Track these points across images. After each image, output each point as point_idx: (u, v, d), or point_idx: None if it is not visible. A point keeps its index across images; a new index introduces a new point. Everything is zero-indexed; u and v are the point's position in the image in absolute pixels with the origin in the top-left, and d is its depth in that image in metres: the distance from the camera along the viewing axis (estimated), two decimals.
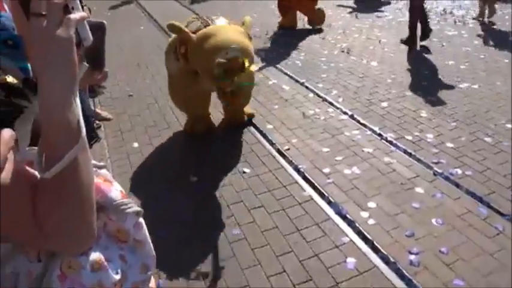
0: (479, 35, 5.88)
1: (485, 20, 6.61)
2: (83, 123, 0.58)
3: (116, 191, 0.71)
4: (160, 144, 3.37)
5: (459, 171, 2.87)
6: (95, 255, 0.64)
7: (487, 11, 6.60)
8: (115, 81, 4.56)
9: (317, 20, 6.45)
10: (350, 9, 7.67)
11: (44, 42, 0.53)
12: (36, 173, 0.57)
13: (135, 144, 3.37)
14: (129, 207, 0.71)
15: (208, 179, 2.88)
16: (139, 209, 0.73)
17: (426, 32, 5.46)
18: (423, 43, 5.50)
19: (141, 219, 0.75)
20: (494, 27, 6.33)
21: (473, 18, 6.78)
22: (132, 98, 4.21)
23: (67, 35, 0.55)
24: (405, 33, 5.94)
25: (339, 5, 8.16)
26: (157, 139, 3.44)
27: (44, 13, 0.53)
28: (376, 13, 7.36)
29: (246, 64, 2.67)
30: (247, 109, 3.64)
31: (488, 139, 3.23)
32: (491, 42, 5.54)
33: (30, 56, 0.57)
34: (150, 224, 0.79)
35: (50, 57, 0.53)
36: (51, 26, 0.53)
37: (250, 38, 3.02)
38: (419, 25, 5.38)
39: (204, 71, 2.83)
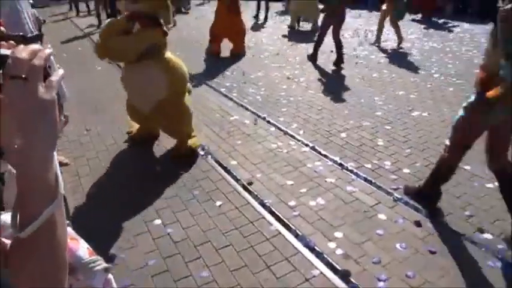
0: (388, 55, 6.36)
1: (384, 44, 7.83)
2: (61, 179, 0.57)
3: (83, 249, 0.69)
4: (120, 187, 3.27)
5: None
6: None
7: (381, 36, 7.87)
8: (72, 124, 4.43)
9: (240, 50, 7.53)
10: (303, 45, 8.09)
11: (27, 105, 0.52)
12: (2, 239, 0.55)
13: (93, 189, 3.24)
14: (98, 265, 0.69)
15: (173, 220, 2.81)
16: (108, 265, 0.71)
17: (340, 59, 6.52)
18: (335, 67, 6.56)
19: (110, 275, 0.73)
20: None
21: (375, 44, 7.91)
22: (91, 140, 4.09)
23: (50, 97, 0.55)
24: (358, 66, 6.32)
25: (284, 35, 8.74)
26: (116, 182, 3.34)
27: (24, 76, 0.52)
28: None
29: None
30: (194, 141, 3.67)
31: (467, 167, 3.40)
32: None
33: None
34: (113, 274, 0.76)
35: (34, 120, 0.53)
36: (35, 90, 0.53)
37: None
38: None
39: None
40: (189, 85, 3.83)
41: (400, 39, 7.68)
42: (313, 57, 6.86)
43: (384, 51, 7.58)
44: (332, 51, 6.88)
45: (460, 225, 2.67)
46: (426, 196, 2.90)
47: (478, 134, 2.54)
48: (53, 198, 0.56)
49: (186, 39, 9.03)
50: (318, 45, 6.77)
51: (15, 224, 0.55)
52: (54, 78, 0.57)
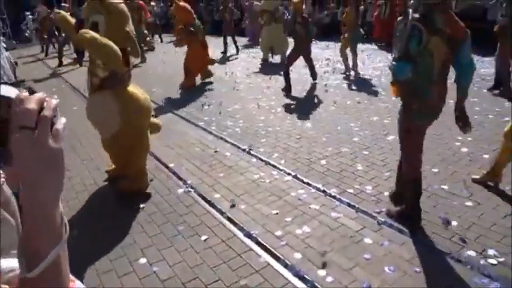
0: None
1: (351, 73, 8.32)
2: (66, 220, 0.60)
3: None
4: (101, 227, 3.17)
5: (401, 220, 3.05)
6: None
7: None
8: None
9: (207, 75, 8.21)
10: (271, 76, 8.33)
11: (37, 155, 0.54)
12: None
13: (75, 231, 3.13)
14: None
15: (159, 258, 2.74)
16: None
17: (313, 74, 7.51)
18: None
19: None
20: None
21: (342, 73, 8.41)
22: (70, 181, 3.98)
23: (59, 145, 0.57)
24: (332, 95, 6.52)
25: (256, 68, 9.07)
26: (97, 222, 3.24)
27: (31, 126, 0.54)
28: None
29: None
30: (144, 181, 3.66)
31: None
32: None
33: None
34: None
35: (44, 168, 0.55)
36: (45, 140, 0.55)
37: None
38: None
39: None
40: (157, 122, 3.88)
41: (356, 66, 8.27)
42: (287, 89, 7.08)
43: (354, 79, 7.89)
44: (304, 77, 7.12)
45: (444, 244, 2.73)
46: (408, 217, 2.97)
47: (421, 141, 2.85)
48: (59, 239, 0.58)
49: (162, 75, 9.12)
50: (287, 76, 7.09)
51: (23, 264, 0.56)
52: (59, 126, 0.59)
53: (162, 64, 10.60)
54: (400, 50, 2.56)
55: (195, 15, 7.86)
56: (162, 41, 15.31)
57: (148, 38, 13.15)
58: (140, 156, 3.62)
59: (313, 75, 7.56)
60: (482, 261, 2.54)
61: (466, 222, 2.95)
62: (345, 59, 8.27)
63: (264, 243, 2.82)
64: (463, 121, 2.74)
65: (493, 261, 2.54)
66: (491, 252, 2.61)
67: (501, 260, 2.54)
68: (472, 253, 2.62)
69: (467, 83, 2.67)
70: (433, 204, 3.20)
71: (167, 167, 4.15)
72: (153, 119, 3.85)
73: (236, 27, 12.96)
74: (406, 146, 2.90)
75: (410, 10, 2.55)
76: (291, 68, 7.16)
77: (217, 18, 13.34)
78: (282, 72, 7.33)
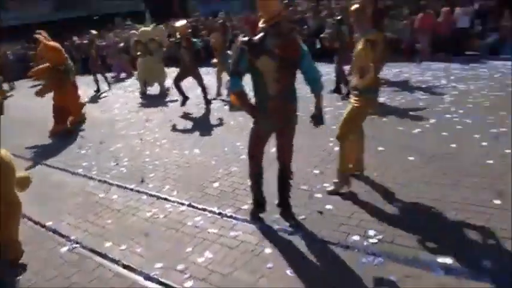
0: None
1: None
2: None
3: None
4: None
5: (292, 222, 3.23)
6: None
7: None
8: None
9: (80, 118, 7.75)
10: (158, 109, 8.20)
11: None
12: None
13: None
14: None
15: None
16: None
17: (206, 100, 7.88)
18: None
19: None
20: None
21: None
22: None
23: None
24: (216, 118, 6.66)
25: (136, 103, 9.02)
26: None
27: None
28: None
29: None
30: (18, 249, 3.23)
31: (304, 187, 3.80)
32: None
33: None
34: None
35: None
36: None
37: None
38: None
39: None
40: (24, 175, 3.42)
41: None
42: (184, 100, 7.80)
43: None
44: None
45: (333, 235, 2.97)
46: (254, 214, 3.34)
47: (259, 144, 3.12)
48: None
49: (27, 124, 8.15)
50: (180, 90, 7.73)
51: None
52: None
53: (25, 111, 9.51)
54: (232, 67, 2.95)
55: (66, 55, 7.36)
56: (14, 88, 14.31)
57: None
58: (12, 222, 3.14)
59: (206, 100, 7.85)
60: (365, 243, 2.84)
61: (347, 212, 3.28)
62: (219, 84, 8.55)
63: (167, 282, 2.69)
64: (317, 119, 3.10)
65: (374, 240, 2.86)
66: (371, 232, 2.95)
67: (380, 237, 2.88)
68: (356, 238, 2.91)
69: (316, 89, 3.04)
70: (316, 202, 3.48)
71: (44, 226, 3.68)
72: (18, 173, 3.38)
73: (103, 63, 12.54)
74: (250, 148, 3.15)
75: (242, 34, 2.96)
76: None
77: (83, 56, 12.94)
78: (166, 101, 7.38)
